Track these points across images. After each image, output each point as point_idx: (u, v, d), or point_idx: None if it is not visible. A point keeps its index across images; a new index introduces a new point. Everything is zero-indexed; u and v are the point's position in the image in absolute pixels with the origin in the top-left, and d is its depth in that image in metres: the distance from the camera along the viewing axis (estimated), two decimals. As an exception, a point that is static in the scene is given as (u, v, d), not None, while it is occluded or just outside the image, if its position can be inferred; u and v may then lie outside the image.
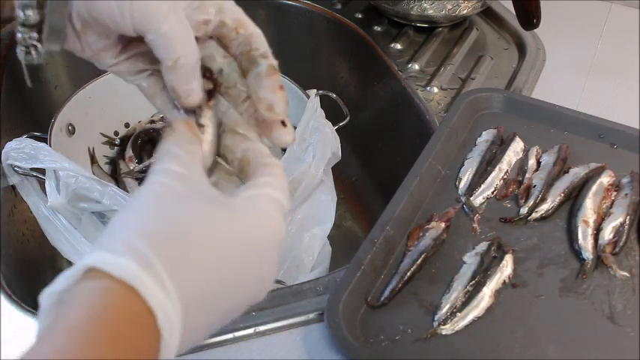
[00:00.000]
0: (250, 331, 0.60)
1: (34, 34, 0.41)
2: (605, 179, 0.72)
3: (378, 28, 1.08)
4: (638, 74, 0.95)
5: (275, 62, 0.45)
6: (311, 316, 0.61)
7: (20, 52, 0.43)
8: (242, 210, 0.38)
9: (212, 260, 0.35)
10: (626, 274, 0.64)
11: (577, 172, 0.73)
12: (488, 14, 1.10)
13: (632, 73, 0.96)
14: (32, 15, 0.40)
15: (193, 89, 0.42)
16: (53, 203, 0.70)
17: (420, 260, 0.64)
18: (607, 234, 0.67)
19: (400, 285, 0.62)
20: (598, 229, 0.68)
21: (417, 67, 0.99)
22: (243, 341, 0.59)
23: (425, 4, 1.02)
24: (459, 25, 1.09)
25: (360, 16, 1.11)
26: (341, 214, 1.03)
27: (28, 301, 0.65)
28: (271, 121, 0.45)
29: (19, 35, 0.42)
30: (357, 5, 1.13)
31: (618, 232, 0.67)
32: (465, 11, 1.04)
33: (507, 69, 0.98)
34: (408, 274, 0.63)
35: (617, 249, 0.66)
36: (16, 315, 0.62)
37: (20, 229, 0.83)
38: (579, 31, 1.08)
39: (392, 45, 1.04)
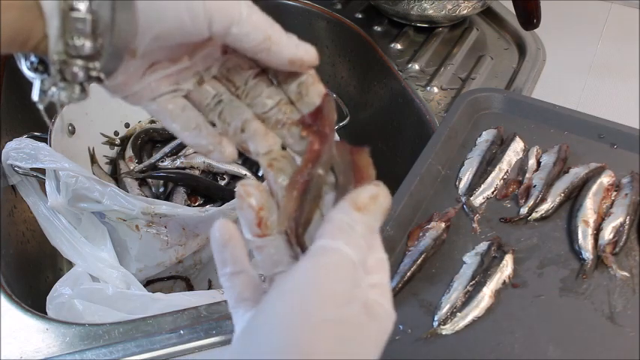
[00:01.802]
0: (250, 331, 0.60)
1: (97, 64, 0.35)
2: (605, 179, 0.72)
3: (378, 28, 1.08)
4: (638, 74, 0.95)
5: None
6: (311, 316, 0.61)
7: (66, 93, 0.36)
8: None
9: None
10: (626, 274, 0.64)
11: (577, 172, 0.73)
12: (489, 14, 1.11)
13: (632, 73, 0.96)
14: (87, 44, 0.34)
15: (301, 49, 0.40)
16: (53, 203, 0.70)
17: (420, 260, 0.64)
18: (607, 234, 0.67)
19: (400, 285, 0.62)
20: (598, 229, 0.68)
21: (417, 67, 0.99)
22: (243, 341, 0.59)
23: (425, 4, 1.02)
24: (459, 25, 1.09)
25: (360, 16, 1.11)
26: (341, 214, 1.03)
27: (28, 301, 0.65)
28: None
29: (74, 70, 0.35)
30: (357, 5, 1.13)
31: (618, 232, 0.67)
32: (465, 11, 1.04)
33: (507, 69, 0.98)
34: (408, 274, 0.63)
35: (617, 249, 0.66)
36: (16, 315, 0.62)
37: (20, 229, 0.83)
38: (579, 31, 1.08)
39: (392, 45, 1.04)
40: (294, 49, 0.40)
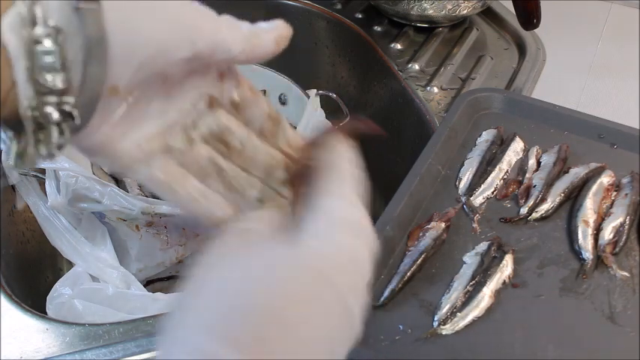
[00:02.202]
0: (250, 331, 0.60)
1: (70, 99, 0.30)
2: (605, 179, 0.72)
3: (378, 28, 1.08)
4: (638, 74, 0.95)
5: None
6: (311, 316, 0.61)
7: (42, 145, 0.31)
8: None
9: None
10: (626, 274, 0.64)
11: (577, 172, 0.73)
12: (489, 14, 1.11)
13: (632, 73, 0.96)
14: (58, 78, 0.30)
15: (269, 39, 0.38)
16: (53, 203, 0.70)
17: (420, 260, 0.64)
18: (607, 234, 0.67)
19: (400, 285, 0.62)
20: (598, 229, 0.68)
21: (417, 67, 0.99)
22: (243, 341, 0.59)
23: (425, 4, 1.02)
24: (459, 25, 1.09)
25: (360, 16, 1.11)
26: (341, 214, 1.03)
27: (28, 301, 0.65)
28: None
29: (47, 110, 0.30)
30: (357, 5, 1.13)
31: (618, 232, 0.67)
32: (465, 11, 1.04)
33: (507, 69, 0.98)
34: (408, 274, 0.63)
35: (617, 249, 0.66)
36: (16, 315, 0.62)
37: (20, 229, 0.83)
38: (579, 31, 1.08)
39: (392, 45, 1.04)
40: (274, 32, 0.39)
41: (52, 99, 0.30)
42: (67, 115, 0.30)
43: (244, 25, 0.37)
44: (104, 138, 0.34)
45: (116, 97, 0.33)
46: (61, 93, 0.30)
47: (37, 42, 0.29)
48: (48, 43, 0.29)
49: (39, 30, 0.29)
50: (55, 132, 0.31)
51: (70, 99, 0.30)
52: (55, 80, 0.30)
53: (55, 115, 0.30)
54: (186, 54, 0.34)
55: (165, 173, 0.37)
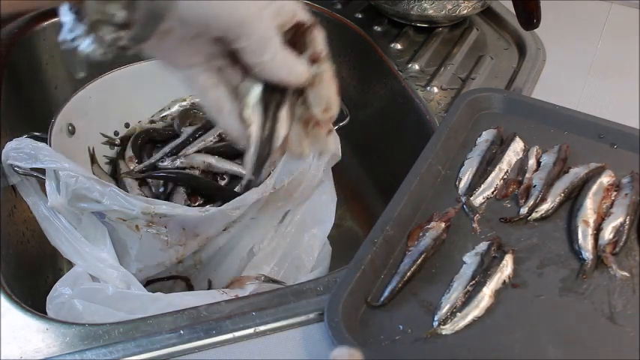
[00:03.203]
0: (250, 331, 0.60)
1: (126, 33, 0.39)
2: (605, 179, 0.72)
3: (378, 28, 1.08)
4: (638, 74, 0.95)
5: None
6: (311, 316, 0.61)
7: (92, 47, 0.39)
8: None
9: None
10: (626, 274, 0.64)
11: (577, 172, 0.73)
12: (488, 14, 1.11)
13: (632, 73, 0.96)
14: (119, 13, 0.38)
15: (292, 73, 0.46)
16: (53, 203, 0.70)
17: (420, 260, 0.64)
18: (607, 234, 0.67)
19: (400, 285, 0.62)
20: (598, 229, 0.68)
21: (417, 67, 0.99)
22: (243, 341, 0.59)
23: (425, 4, 1.02)
24: (459, 25, 1.09)
25: (360, 16, 1.11)
26: (341, 214, 1.03)
27: (28, 301, 0.65)
28: (323, 125, 0.48)
29: (102, 34, 0.39)
30: (357, 5, 1.13)
31: (618, 232, 0.67)
32: (465, 11, 1.04)
33: (507, 69, 0.98)
34: (408, 274, 0.63)
35: (617, 249, 0.66)
36: (16, 315, 0.62)
37: (20, 229, 0.83)
38: (579, 31, 1.08)
39: (392, 45, 1.04)
40: (285, 73, 0.46)
41: (110, 29, 0.38)
42: (119, 47, 0.39)
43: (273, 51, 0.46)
44: (151, 46, 0.43)
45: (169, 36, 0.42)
46: (121, 27, 0.38)
47: None
48: None
49: None
50: (100, 49, 0.39)
51: (127, 33, 0.39)
52: (116, 15, 0.38)
53: (109, 39, 0.39)
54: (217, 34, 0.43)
55: (203, 76, 0.46)
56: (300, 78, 0.47)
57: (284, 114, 0.47)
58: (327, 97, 0.48)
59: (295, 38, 0.47)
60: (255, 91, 0.47)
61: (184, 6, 0.40)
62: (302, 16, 0.47)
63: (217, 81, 0.47)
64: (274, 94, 0.47)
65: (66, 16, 0.40)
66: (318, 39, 0.48)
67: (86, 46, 0.39)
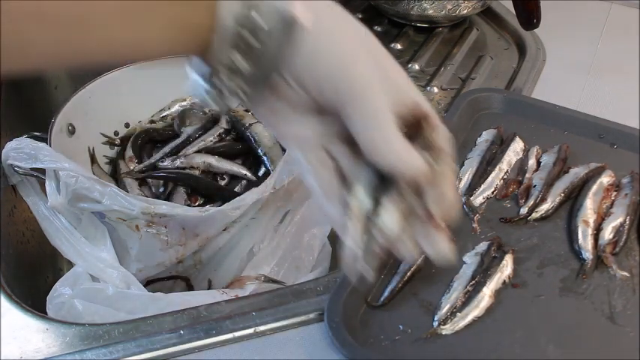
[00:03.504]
0: (250, 331, 0.60)
1: (241, 82, 0.39)
2: (605, 179, 0.72)
3: (378, 28, 1.08)
4: (638, 74, 0.95)
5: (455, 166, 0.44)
6: (311, 316, 0.61)
7: (213, 96, 0.40)
8: None
9: None
10: (626, 274, 0.64)
11: (577, 172, 0.73)
12: (488, 14, 1.11)
13: (632, 73, 0.96)
14: (241, 62, 0.38)
15: (400, 162, 0.41)
16: (53, 203, 0.70)
17: (420, 260, 0.64)
18: (607, 234, 0.67)
19: (400, 285, 0.62)
20: (598, 229, 0.68)
21: (417, 67, 0.99)
22: (243, 341, 0.59)
23: (425, 4, 1.02)
24: (459, 25, 1.09)
25: (360, 16, 1.11)
26: (341, 214, 1.03)
27: (28, 301, 0.65)
28: (438, 227, 0.44)
29: (224, 79, 0.39)
30: (357, 5, 1.13)
31: (618, 232, 0.67)
32: (465, 11, 1.04)
33: (507, 69, 0.98)
34: (408, 274, 0.63)
35: (617, 249, 0.66)
36: (16, 315, 0.62)
37: (20, 229, 0.83)
38: (579, 31, 1.08)
39: (392, 45, 1.04)
40: (399, 160, 0.41)
41: (237, 80, 0.39)
42: (238, 98, 0.40)
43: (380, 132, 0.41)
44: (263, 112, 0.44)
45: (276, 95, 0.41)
46: (244, 78, 0.39)
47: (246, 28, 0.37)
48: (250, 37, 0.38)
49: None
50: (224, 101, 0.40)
51: (246, 87, 0.39)
52: (243, 66, 0.38)
53: (229, 91, 0.39)
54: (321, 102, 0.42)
55: (313, 154, 0.44)
56: (417, 170, 0.41)
57: (393, 206, 0.42)
58: (448, 199, 0.43)
59: (414, 131, 0.43)
60: (366, 179, 0.43)
61: (299, 62, 0.39)
62: (425, 109, 0.44)
63: (327, 160, 0.44)
64: (387, 185, 0.42)
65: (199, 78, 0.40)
66: (442, 137, 0.44)
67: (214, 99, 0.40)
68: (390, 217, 0.42)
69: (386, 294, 0.61)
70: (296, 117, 0.43)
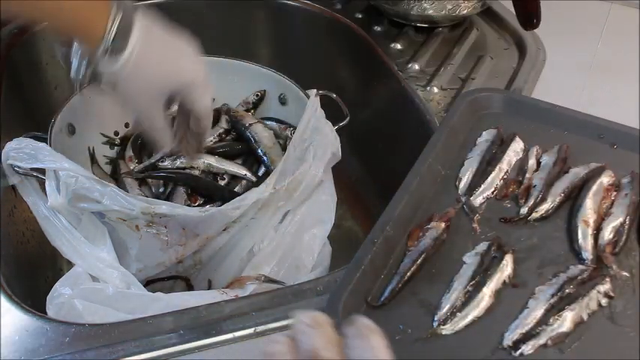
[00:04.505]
0: (250, 331, 0.60)
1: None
2: (605, 179, 0.72)
3: (378, 28, 1.08)
4: (638, 74, 0.95)
5: None
6: (311, 316, 0.61)
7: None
8: None
9: None
10: (626, 274, 0.64)
11: (577, 172, 0.73)
12: (489, 14, 1.11)
13: (632, 73, 0.96)
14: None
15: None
16: (53, 203, 0.70)
17: (420, 260, 0.64)
18: (607, 234, 0.67)
19: (400, 285, 0.62)
20: (598, 229, 0.68)
21: (417, 67, 0.99)
22: (243, 341, 0.59)
23: (425, 4, 1.03)
24: (459, 25, 1.09)
25: (360, 16, 1.11)
26: (341, 214, 1.03)
27: (28, 301, 0.65)
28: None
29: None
30: (357, 5, 1.13)
31: (618, 232, 0.67)
32: (465, 11, 1.04)
33: (507, 69, 0.98)
34: (408, 274, 0.63)
35: (617, 249, 0.66)
36: (16, 315, 0.62)
37: (20, 229, 0.83)
38: (579, 31, 1.08)
39: (392, 45, 1.04)
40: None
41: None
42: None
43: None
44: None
45: None
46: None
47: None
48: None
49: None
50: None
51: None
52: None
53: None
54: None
55: None
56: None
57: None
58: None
59: None
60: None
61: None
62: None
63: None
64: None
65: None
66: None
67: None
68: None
69: (386, 294, 0.62)
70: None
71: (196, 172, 0.86)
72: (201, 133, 0.77)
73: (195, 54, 0.71)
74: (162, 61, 0.67)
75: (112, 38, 0.62)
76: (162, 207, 0.68)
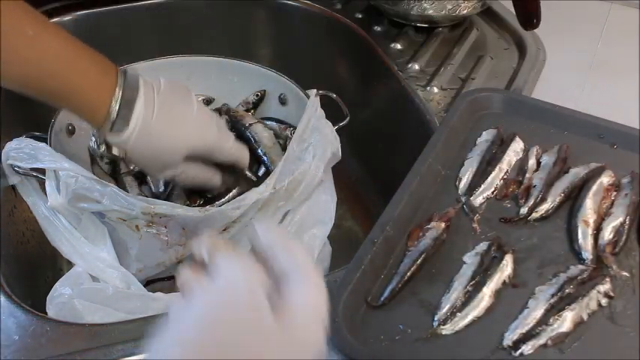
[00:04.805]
0: (250, 331, 0.60)
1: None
2: (605, 179, 0.72)
3: (378, 28, 1.08)
4: (638, 74, 0.95)
5: None
6: (311, 316, 0.61)
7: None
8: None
9: None
10: (626, 274, 0.64)
11: (577, 172, 0.73)
12: (489, 14, 1.11)
13: (632, 73, 0.96)
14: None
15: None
16: (53, 203, 0.70)
17: (420, 260, 0.64)
18: (607, 234, 0.67)
19: (400, 285, 0.62)
20: (598, 229, 0.68)
21: (417, 67, 0.99)
22: (243, 341, 0.59)
23: (425, 4, 1.02)
24: (459, 25, 1.09)
25: (360, 16, 1.11)
26: (341, 214, 1.03)
27: (28, 301, 0.65)
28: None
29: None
30: (357, 5, 1.13)
31: (618, 232, 0.67)
32: (465, 11, 1.04)
33: (507, 69, 0.98)
34: (408, 274, 0.63)
35: (617, 249, 0.66)
36: (16, 315, 0.62)
37: (20, 229, 0.83)
38: (579, 31, 1.08)
39: (392, 45, 1.04)
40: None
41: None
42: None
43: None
44: None
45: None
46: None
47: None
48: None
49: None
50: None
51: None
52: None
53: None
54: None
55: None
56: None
57: None
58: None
59: None
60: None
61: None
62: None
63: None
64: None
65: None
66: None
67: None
68: None
69: (386, 294, 0.62)
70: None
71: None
72: (243, 168, 0.77)
73: (202, 112, 0.69)
74: (166, 128, 0.66)
75: (116, 114, 0.62)
76: (163, 207, 0.68)
